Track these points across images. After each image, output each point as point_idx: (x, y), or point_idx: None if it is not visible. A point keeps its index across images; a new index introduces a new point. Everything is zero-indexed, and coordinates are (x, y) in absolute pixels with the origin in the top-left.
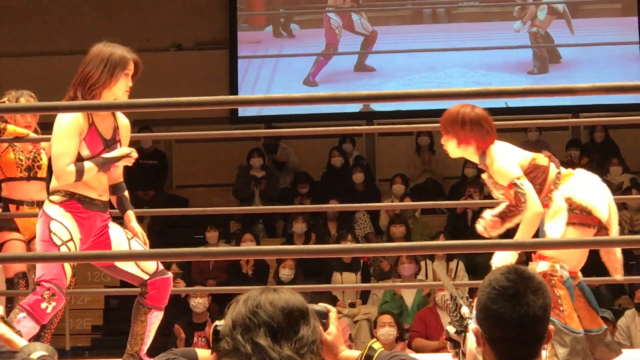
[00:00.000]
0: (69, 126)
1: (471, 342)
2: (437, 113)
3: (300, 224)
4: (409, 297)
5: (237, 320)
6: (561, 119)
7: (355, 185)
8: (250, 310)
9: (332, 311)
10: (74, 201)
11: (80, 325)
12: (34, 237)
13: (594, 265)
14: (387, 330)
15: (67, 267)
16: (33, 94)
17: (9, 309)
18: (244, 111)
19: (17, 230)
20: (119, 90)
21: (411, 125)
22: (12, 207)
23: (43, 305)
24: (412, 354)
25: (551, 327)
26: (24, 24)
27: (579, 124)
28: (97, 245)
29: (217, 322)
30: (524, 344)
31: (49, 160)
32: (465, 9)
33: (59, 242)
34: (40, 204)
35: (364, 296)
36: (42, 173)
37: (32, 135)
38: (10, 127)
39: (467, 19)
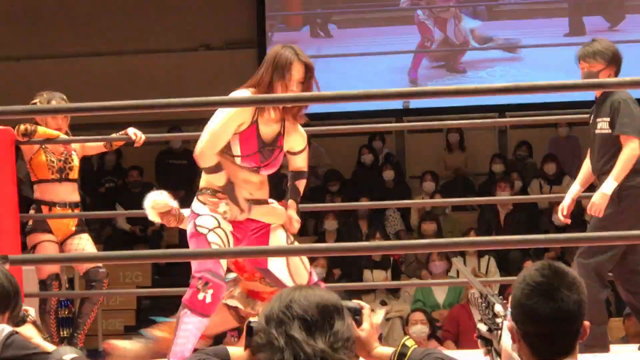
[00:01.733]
0: (232, 112)
1: (506, 340)
2: (466, 110)
3: (332, 221)
4: (441, 295)
5: (271, 315)
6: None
7: (385, 183)
8: (284, 305)
9: (366, 308)
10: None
11: (112, 326)
12: (67, 238)
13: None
14: (420, 328)
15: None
16: (64, 96)
17: (42, 310)
18: None
19: (49, 231)
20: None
21: (441, 123)
22: (44, 208)
23: (200, 296)
24: (446, 351)
25: (587, 323)
26: (53, 26)
27: None
28: (255, 243)
29: (250, 319)
30: (558, 340)
31: (80, 161)
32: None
33: (205, 231)
34: (72, 205)
35: (394, 293)
36: (74, 175)
37: (63, 136)
38: (41, 129)
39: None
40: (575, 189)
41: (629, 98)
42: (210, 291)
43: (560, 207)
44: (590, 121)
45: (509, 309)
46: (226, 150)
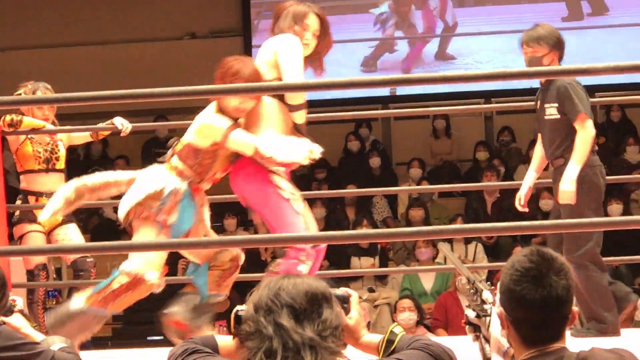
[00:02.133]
0: (300, 53)
1: (494, 326)
2: (453, 96)
3: (319, 208)
4: (428, 282)
5: (259, 303)
6: None
7: (372, 170)
8: (272, 293)
9: (354, 295)
10: None
11: None
12: (54, 228)
13: (614, 245)
14: (408, 315)
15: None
16: (49, 86)
17: (29, 301)
18: None
19: (36, 221)
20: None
21: (427, 109)
22: (31, 198)
23: (300, 267)
24: (434, 337)
25: (575, 308)
26: (38, 16)
27: (595, 103)
28: None
29: (238, 307)
30: (547, 326)
31: (67, 151)
32: None
33: (289, 196)
34: None
35: (381, 279)
36: (60, 165)
37: (49, 126)
38: (27, 119)
39: (494, 2)
40: (530, 177)
41: (573, 81)
42: (308, 264)
43: (517, 196)
44: (537, 107)
45: (498, 295)
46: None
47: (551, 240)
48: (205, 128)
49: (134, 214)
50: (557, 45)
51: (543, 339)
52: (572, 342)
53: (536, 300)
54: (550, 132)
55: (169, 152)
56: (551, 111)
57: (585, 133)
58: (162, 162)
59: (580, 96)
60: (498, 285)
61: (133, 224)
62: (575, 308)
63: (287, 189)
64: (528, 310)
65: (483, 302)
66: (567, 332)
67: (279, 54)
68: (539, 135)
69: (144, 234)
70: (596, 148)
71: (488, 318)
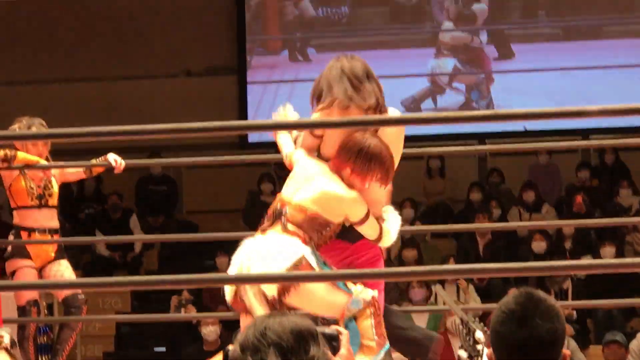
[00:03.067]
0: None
1: None
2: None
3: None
4: (421, 323)
5: (246, 343)
6: (571, 140)
7: None
8: (259, 332)
9: (344, 334)
10: None
11: (91, 352)
12: (46, 264)
13: (606, 289)
14: (400, 356)
15: None
16: (44, 122)
17: (20, 336)
18: (256, 137)
19: (29, 257)
20: None
21: (421, 150)
22: (23, 234)
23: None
24: None
25: (566, 351)
26: (34, 51)
27: (589, 146)
28: None
29: (228, 347)
30: None
31: (60, 188)
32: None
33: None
34: (51, 231)
35: None
36: (53, 201)
37: (43, 162)
38: (21, 154)
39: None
40: None
41: None
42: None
43: None
44: None
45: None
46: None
47: None
48: (341, 203)
49: (282, 290)
50: None
51: None
52: None
53: (517, 341)
54: None
55: (271, 213)
56: None
57: None
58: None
59: None
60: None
61: (286, 300)
62: (566, 351)
63: None
64: (510, 351)
65: (475, 342)
66: None
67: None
68: None
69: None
70: None
71: (480, 358)
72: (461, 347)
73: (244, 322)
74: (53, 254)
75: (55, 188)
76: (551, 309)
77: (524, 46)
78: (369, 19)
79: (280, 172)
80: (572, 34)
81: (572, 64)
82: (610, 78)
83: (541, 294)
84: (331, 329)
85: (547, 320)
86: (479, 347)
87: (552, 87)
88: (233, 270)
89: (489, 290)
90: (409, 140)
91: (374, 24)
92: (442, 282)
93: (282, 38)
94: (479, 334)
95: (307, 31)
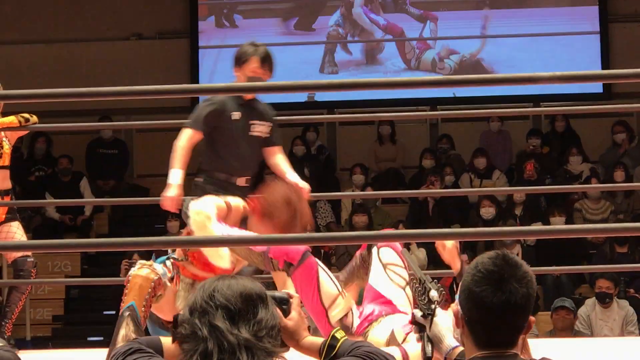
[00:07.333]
0: None
1: (440, 324)
2: (399, 102)
3: None
4: None
5: (194, 306)
6: (522, 108)
7: (315, 174)
8: (207, 295)
9: (295, 297)
10: None
11: (40, 315)
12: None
13: (555, 255)
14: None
15: None
16: None
17: None
18: None
19: None
20: None
21: (372, 115)
22: None
23: None
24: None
25: (532, 318)
26: None
27: (540, 112)
28: None
29: (179, 312)
30: (501, 331)
31: (12, 148)
32: None
33: None
34: (3, 192)
35: None
36: (4, 161)
37: None
38: None
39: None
40: None
41: None
42: None
43: None
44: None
45: (457, 294)
46: None
47: None
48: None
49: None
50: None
51: (495, 343)
52: None
53: (494, 304)
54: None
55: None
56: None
57: None
58: None
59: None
60: (460, 284)
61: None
62: (532, 318)
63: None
64: (484, 313)
65: (430, 301)
66: None
67: None
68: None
69: None
70: None
71: (434, 317)
72: (416, 306)
73: None
74: (4, 216)
75: (7, 148)
76: (527, 274)
77: (450, 13)
78: None
79: None
80: (498, 2)
81: (498, 31)
82: (535, 45)
83: (517, 258)
84: (282, 293)
85: (523, 285)
86: (433, 306)
87: (481, 55)
88: None
89: (438, 256)
90: (360, 105)
91: None
92: (407, 246)
93: (209, 3)
94: (434, 293)
95: None
